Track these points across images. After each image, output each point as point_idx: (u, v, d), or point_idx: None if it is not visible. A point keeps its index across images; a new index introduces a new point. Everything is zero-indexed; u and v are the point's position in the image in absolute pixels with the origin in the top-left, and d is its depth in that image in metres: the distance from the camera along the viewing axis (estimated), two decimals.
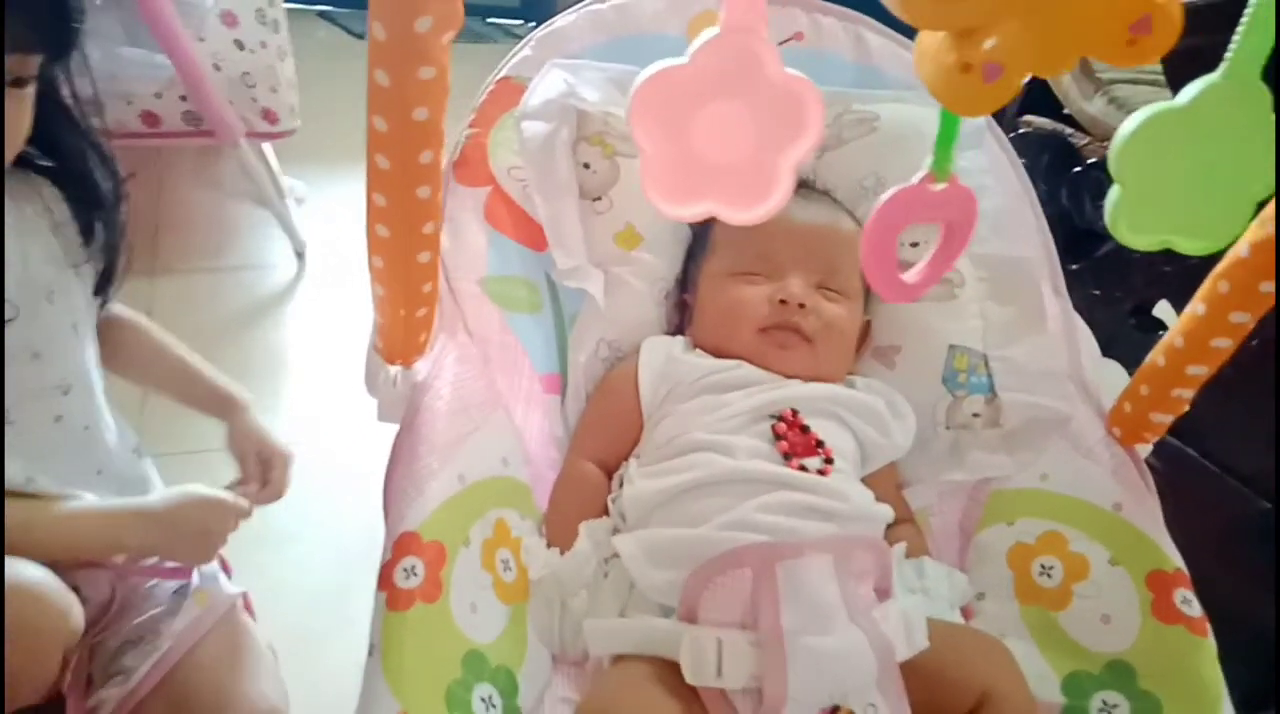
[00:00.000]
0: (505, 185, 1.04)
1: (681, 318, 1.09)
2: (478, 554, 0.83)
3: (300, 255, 1.97)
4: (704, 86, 0.56)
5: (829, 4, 1.15)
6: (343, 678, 0.79)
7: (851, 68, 1.15)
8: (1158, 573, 0.87)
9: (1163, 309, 1.44)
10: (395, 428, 0.88)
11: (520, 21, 3.17)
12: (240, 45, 1.73)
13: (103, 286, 0.98)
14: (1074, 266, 1.37)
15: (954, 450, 1.03)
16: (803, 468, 0.89)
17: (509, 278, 1.02)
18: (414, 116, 0.64)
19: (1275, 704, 1.19)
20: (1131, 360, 0.99)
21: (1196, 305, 0.86)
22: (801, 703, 0.75)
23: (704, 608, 0.80)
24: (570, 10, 1.11)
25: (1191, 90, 0.59)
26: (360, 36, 2.97)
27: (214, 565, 1.06)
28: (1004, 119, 1.59)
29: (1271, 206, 0.78)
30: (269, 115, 1.79)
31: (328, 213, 2.04)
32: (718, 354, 1.00)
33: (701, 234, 1.08)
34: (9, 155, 0.83)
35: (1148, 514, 0.91)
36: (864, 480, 0.98)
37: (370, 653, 0.74)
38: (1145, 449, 0.99)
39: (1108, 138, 0.79)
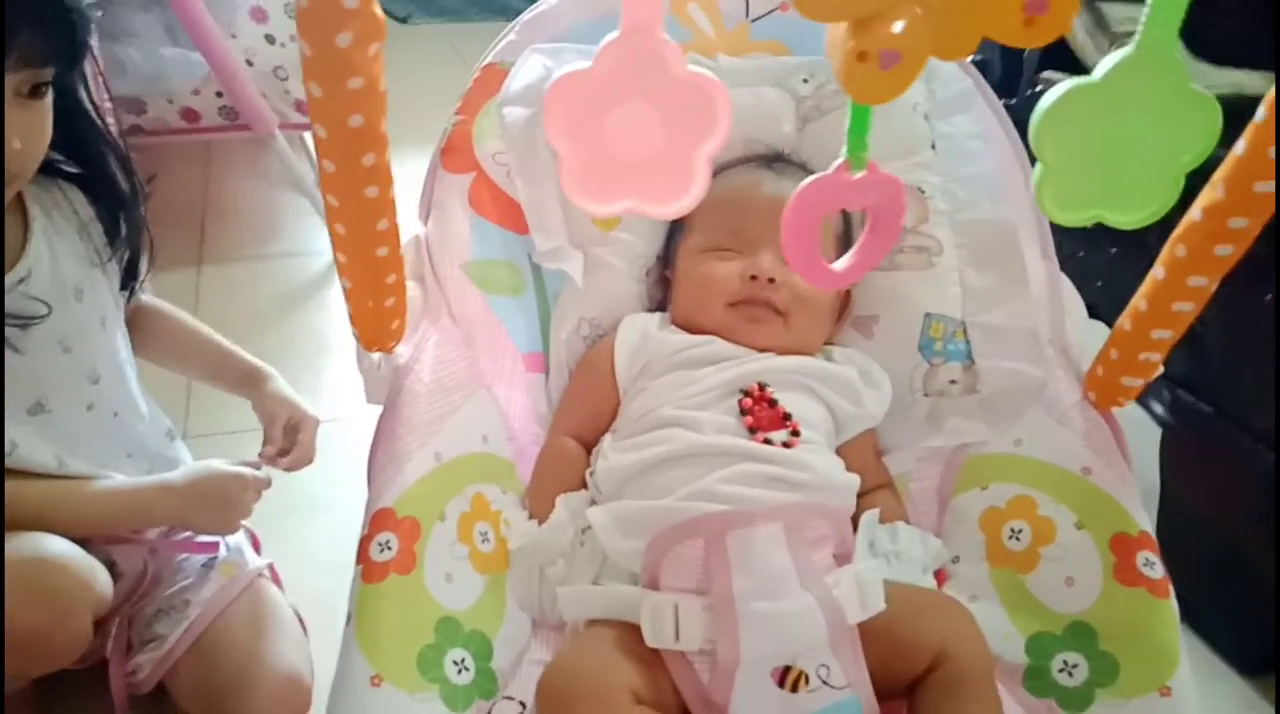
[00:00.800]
0: (489, 170, 1.07)
1: (664, 295, 1.10)
2: (454, 527, 0.87)
3: None
4: (611, 88, 0.58)
5: None
6: None
7: None
8: (1122, 535, 0.87)
9: None
10: None
11: None
12: (271, 40, 1.80)
13: (128, 281, 1.05)
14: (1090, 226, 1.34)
15: (931, 417, 1.04)
16: (768, 441, 0.91)
17: (492, 261, 1.05)
18: (350, 124, 0.68)
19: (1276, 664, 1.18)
20: None
21: (1158, 269, 0.86)
22: (754, 664, 0.79)
23: (664, 575, 0.83)
24: None
25: (1106, 64, 0.59)
26: (396, 18, 2.98)
27: (240, 539, 1.13)
28: (1024, 77, 1.56)
29: (1220, 171, 0.77)
30: (301, 107, 1.86)
31: None
32: (692, 330, 1.01)
33: None
34: (34, 163, 0.88)
35: (1117, 478, 0.91)
36: (841, 448, 0.99)
37: (348, 621, 0.79)
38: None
39: None
